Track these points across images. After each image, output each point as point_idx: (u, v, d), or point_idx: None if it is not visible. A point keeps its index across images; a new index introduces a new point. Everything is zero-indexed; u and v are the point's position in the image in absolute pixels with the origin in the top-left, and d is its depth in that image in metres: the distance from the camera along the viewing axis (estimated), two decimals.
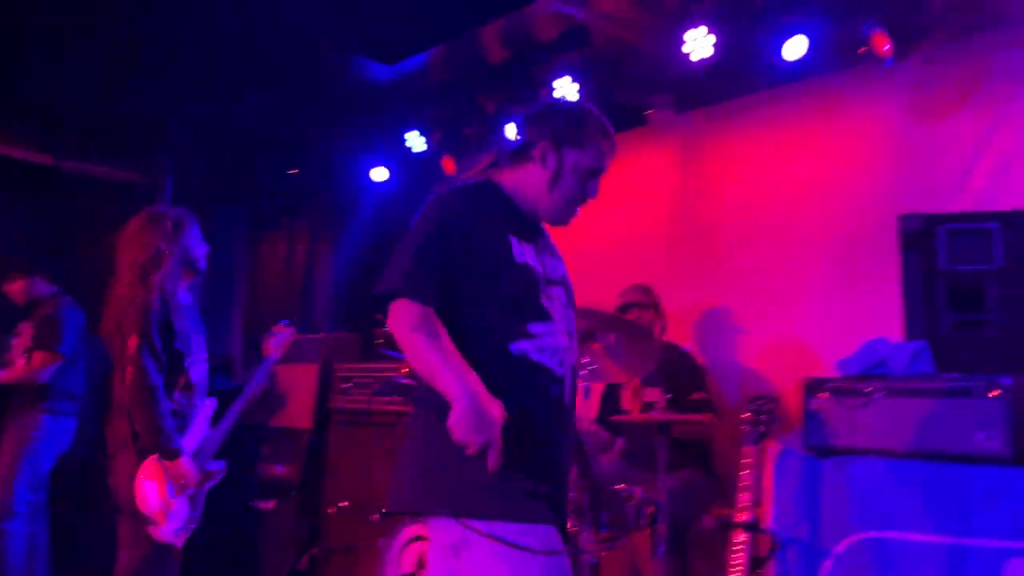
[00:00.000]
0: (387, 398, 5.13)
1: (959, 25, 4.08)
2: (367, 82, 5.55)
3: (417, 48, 5.22)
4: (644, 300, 4.46)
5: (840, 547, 2.92)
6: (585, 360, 3.73)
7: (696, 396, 4.20)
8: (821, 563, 2.95)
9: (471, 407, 1.91)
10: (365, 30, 5.00)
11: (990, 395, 2.73)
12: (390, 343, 5.76)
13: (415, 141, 5.93)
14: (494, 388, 1.97)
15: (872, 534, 2.89)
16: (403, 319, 2.01)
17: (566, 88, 5.00)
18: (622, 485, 3.85)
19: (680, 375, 4.25)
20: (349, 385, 5.47)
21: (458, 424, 1.91)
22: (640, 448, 4.28)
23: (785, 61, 4.28)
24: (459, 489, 1.98)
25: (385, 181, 6.37)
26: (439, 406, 1.97)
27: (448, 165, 5.88)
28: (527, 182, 2.28)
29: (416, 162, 6.11)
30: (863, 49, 4.29)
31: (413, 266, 2.05)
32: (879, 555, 2.88)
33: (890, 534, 2.86)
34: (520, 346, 2.09)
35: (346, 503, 5.29)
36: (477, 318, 2.08)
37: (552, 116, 2.33)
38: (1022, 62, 4.06)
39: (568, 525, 3.66)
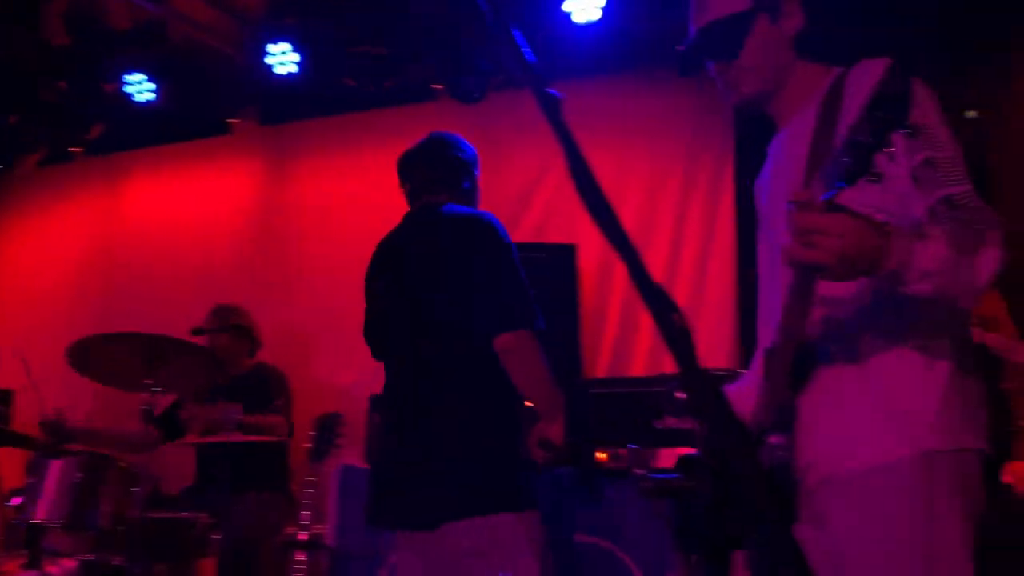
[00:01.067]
0: None
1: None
2: None
3: None
4: (216, 324, 4.26)
5: (395, 555, 3.05)
6: (148, 381, 3.50)
7: (278, 402, 4.13)
8: (376, 573, 3.05)
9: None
10: None
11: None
12: None
13: None
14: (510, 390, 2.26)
15: None
16: (535, 346, 2.26)
17: (140, 86, 4.65)
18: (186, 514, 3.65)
19: (257, 390, 4.16)
20: None
21: (560, 429, 2.23)
22: (211, 470, 4.10)
23: (364, 89, 4.43)
24: (527, 484, 2.24)
25: None
26: (509, 414, 2.26)
27: None
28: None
29: None
30: (437, 86, 4.63)
31: (531, 299, 2.30)
32: None
33: None
34: None
35: None
36: None
37: (467, 147, 2.63)
38: (575, 111, 4.64)
39: (120, 560, 3.37)
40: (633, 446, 0.97)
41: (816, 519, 1.48)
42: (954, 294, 1.31)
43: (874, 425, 1.45)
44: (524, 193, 4.82)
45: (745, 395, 1.62)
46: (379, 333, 2.48)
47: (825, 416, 1.47)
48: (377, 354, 2.51)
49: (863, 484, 1.44)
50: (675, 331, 0.77)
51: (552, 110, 1.06)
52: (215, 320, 4.27)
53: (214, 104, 5.09)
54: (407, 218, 2.55)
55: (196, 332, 4.18)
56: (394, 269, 2.44)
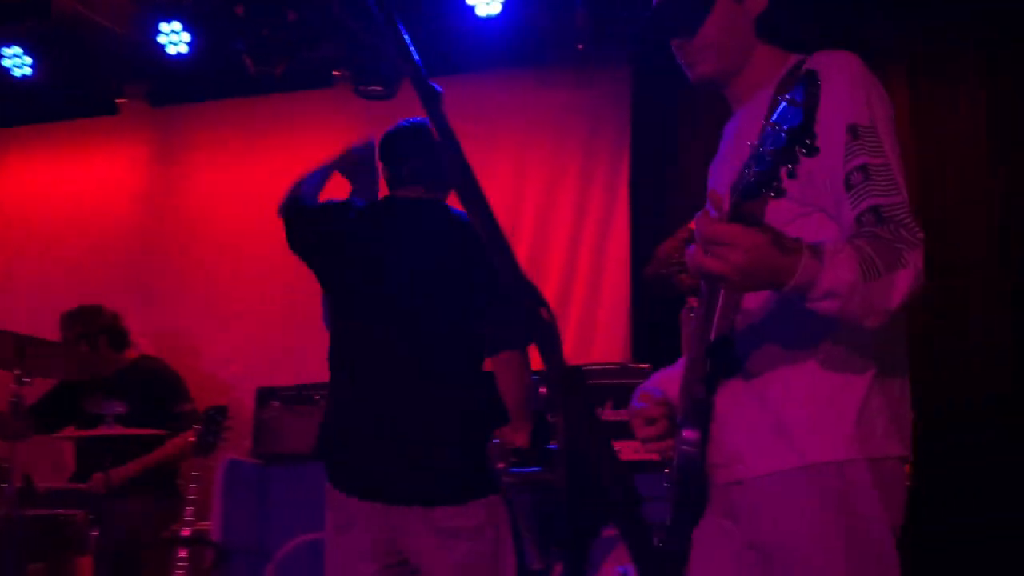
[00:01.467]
0: None
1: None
2: None
3: None
4: (80, 331, 4.07)
5: (283, 551, 3.00)
6: (17, 372, 3.33)
7: (183, 409, 3.98)
8: (264, 568, 2.99)
9: None
10: None
11: None
12: None
13: None
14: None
15: (312, 536, 3.02)
16: (528, 363, 2.38)
17: (17, 60, 4.41)
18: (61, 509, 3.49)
19: (148, 389, 4.02)
20: None
21: (526, 436, 2.32)
22: (94, 464, 3.94)
23: (259, 72, 4.31)
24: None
25: None
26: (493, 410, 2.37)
27: None
28: None
29: None
30: (337, 72, 4.55)
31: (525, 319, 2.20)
32: (319, 555, 3.01)
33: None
34: None
35: None
36: None
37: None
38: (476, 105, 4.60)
39: None
40: (496, 440, 0.97)
41: (730, 514, 1.49)
42: (860, 314, 1.27)
43: (786, 432, 1.43)
44: None
45: (673, 380, 1.63)
46: (353, 317, 2.46)
47: (738, 419, 1.46)
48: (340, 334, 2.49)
49: (779, 491, 1.42)
50: (542, 326, 0.77)
51: (431, 102, 1.05)
52: (72, 328, 4.06)
53: (100, 82, 4.86)
54: (400, 207, 2.51)
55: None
56: (390, 260, 2.43)
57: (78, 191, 5.21)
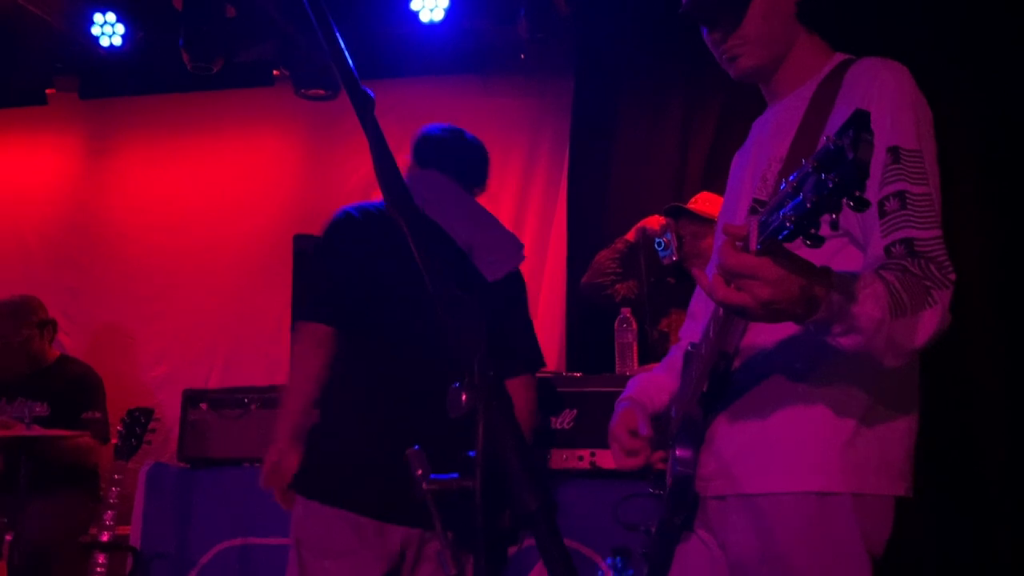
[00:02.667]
0: None
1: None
2: None
3: None
4: (15, 323, 3.93)
5: (206, 557, 2.94)
6: None
7: (88, 415, 3.86)
8: (186, 575, 2.93)
9: None
10: None
11: None
12: None
13: None
14: None
15: (238, 541, 2.96)
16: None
17: None
18: None
19: (69, 391, 3.90)
20: None
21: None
22: (5, 466, 3.80)
23: (196, 67, 4.24)
24: None
25: None
26: None
27: None
28: None
29: None
30: (277, 72, 4.50)
31: None
32: (244, 561, 2.96)
33: (255, 540, 2.97)
34: None
35: None
36: None
37: None
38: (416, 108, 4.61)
39: None
40: (416, 448, 0.94)
41: (708, 525, 1.50)
42: (883, 352, 1.20)
43: (773, 456, 1.40)
44: (366, 185, 4.76)
45: (661, 387, 1.63)
46: (389, 316, 2.27)
47: (730, 436, 1.44)
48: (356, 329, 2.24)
49: (757, 512, 1.40)
50: (466, 335, 0.78)
51: (363, 107, 1.06)
52: (7, 319, 3.92)
53: (30, 71, 4.72)
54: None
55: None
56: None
57: (3, 181, 5.07)
